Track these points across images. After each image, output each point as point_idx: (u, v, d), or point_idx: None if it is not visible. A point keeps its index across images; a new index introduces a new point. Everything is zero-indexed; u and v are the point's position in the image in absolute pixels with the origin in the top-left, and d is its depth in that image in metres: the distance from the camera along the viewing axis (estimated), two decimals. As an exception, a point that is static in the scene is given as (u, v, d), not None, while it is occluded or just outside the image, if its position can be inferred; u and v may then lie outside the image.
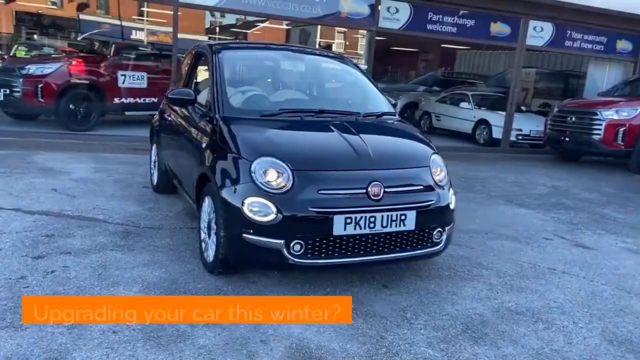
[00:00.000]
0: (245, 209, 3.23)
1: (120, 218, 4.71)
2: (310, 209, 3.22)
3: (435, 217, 3.65)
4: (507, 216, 5.94)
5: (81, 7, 22.74)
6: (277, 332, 2.97)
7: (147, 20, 24.43)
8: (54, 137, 8.39)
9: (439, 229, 3.68)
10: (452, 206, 3.78)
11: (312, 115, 3.99)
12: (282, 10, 9.38)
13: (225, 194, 3.38)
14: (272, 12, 9.48)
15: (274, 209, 3.21)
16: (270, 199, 3.22)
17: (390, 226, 3.41)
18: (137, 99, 9.90)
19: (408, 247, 3.58)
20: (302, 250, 3.27)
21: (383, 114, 4.40)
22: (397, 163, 3.64)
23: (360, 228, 3.32)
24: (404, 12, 10.26)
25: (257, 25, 29.71)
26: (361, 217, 3.31)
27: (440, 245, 3.71)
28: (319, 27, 23.79)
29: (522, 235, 5.20)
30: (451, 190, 3.83)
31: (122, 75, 9.72)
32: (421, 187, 3.60)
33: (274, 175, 3.28)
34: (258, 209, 3.23)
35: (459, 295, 3.66)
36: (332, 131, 3.71)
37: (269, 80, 4.66)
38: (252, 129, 3.74)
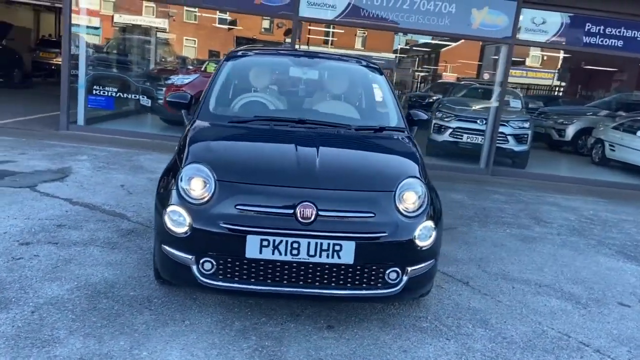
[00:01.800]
0: (166, 218, 3.02)
1: (144, 217, 4.83)
2: (222, 224, 2.88)
3: (387, 253, 3.02)
4: (596, 270, 4.74)
5: (287, 32, 26.21)
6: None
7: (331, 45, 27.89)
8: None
9: (395, 269, 3.03)
10: (423, 243, 3.08)
11: (285, 125, 3.63)
12: (406, 22, 8.91)
13: (156, 199, 3.22)
14: (395, 25, 9.06)
15: (188, 221, 2.94)
16: (187, 209, 2.96)
17: (320, 256, 2.90)
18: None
19: (348, 285, 3.01)
20: (212, 270, 2.95)
21: (383, 128, 3.82)
22: (347, 184, 3.08)
23: (280, 254, 2.88)
24: (553, 23, 9.01)
25: (448, 45, 29.23)
26: (281, 241, 2.87)
27: (396, 288, 3.05)
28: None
29: (589, 296, 4.09)
30: (429, 223, 3.11)
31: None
32: (371, 214, 2.99)
33: (199, 184, 3.01)
34: (175, 219, 2.99)
35: (409, 356, 2.96)
36: (290, 143, 3.30)
37: (269, 86, 4.37)
38: (207, 134, 3.52)
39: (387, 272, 3.03)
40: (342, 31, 26.81)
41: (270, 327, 3.12)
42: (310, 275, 2.95)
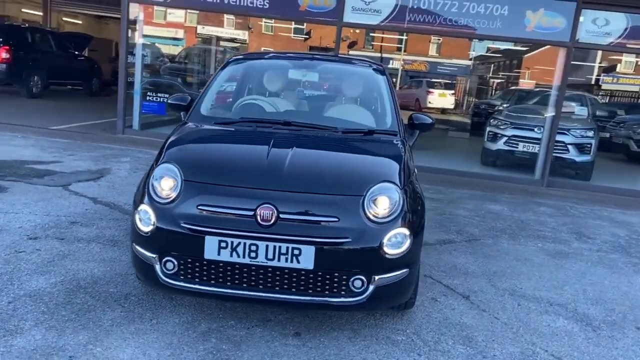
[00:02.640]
0: (136, 217, 3.07)
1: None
2: (183, 224, 2.88)
3: (351, 260, 2.88)
4: (626, 291, 4.31)
5: (351, 45, 26.71)
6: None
7: (404, 52, 27.95)
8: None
9: (360, 277, 2.89)
10: (394, 251, 2.92)
11: (270, 127, 3.58)
12: (454, 25, 8.62)
13: (133, 199, 3.27)
14: (443, 29, 8.78)
15: (153, 220, 2.96)
16: (154, 208, 2.98)
17: (279, 260, 2.82)
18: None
19: (309, 291, 2.90)
20: (174, 270, 2.95)
21: (373, 131, 3.68)
22: (313, 187, 2.98)
23: (238, 256, 2.83)
24: (618, 24, 8.40)
25: (529, 51, 28.10)
26: (239, 243, 2.82)
27: (361, 297, 2.91)
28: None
29: (605, 318, 3.72)
30: (402, 230, 2.94)
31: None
32: (334, 219, 2.87)
33: (168, 184, 3.03)
34: (143, 218, 3.02)
35: (370, 368, 2.82)
36: (266, 144, 3.25)
37: (265, 89, 4.32)
38: (187, 135, 3.53)
39: (352, 279, 2.90)
40: (412, 38, 26.52)
41: (235, 330, 3.07)
42: (269, 280, 2.88)
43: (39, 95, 13.66)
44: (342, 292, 2.92)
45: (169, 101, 4.28)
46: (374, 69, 4.31)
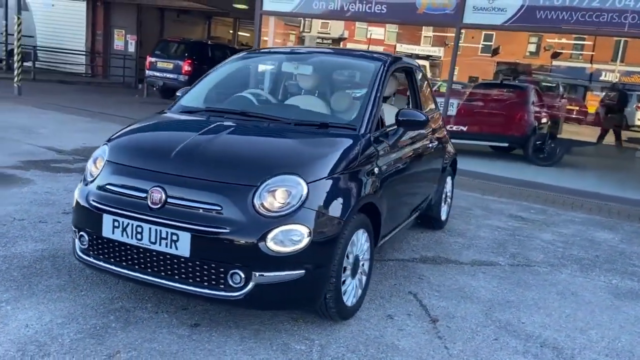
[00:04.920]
0: (75, 194, 3.27)
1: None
2: (91, 201, 3.01)
3: (229, 252, 2.69)
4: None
5: (556, 55, 25.01)
6: (10, 309, 2.97)
7: (620, 62, 25.14)
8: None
9: (239, 272, 2.69)
10: (282, 248, 2.67)
11: (222, 116, 3.52)
12: (593, 23, 7.44)
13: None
14: (583, 28, 7.64)
15: (77, 196, 3.16)
16: (83, 187, 3.17)
17: (160, 245, 2.78)
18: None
19: (189, 280, 2.78)
20: (86, 246, 3.08)
21: (327, 124, 3.37)
22: (207, 173, 2.84)
23: (128, 237, 2.86)
24: None
25: None
26: (128, 224, 2.85)
27: (238, 293, 2.70)
28: None
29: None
30: (297, 227, 2.68)
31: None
32: (217, 207, 2.72)
33: (99, 164, 3.20)
34: (76, 195, 3.22)
35: (227, 369, 2.58)
36: (196, 132, 3.21)
37: (248, 83, 4.21)
38: (141, 121, 3.60)
39: (230, 273, 2.71)
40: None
41: (143, 312, 3.08)
42: (155, 264, 2.84)
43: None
44: (221, 286, 2.74)
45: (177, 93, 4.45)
46: (374, 64, 3.91)
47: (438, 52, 29.83)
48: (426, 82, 5.05)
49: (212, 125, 3.30)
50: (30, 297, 3.14)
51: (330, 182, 2.91)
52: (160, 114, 3.78)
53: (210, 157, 2.98)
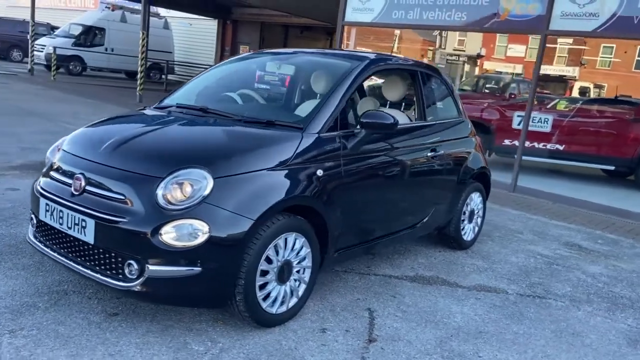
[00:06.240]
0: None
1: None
2: (38, 187, 3.17)
3: (125, 242, 2.67)
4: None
5: None
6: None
7: None
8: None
9: (133, 262, 2.65)
10: (177, 242, 2.60)
11: (181, 112, 3.52)
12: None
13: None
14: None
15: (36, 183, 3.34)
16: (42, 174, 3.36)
17: (74, 230, 2.84)
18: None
19: (95, 267, 2.80)
20: (34, 229, 3.24)
21: (272, 122, 3.21)
22: (124, 163, 2.84)
23: (54, 221, 2.96)
24: None
25: None
26: (54, 208, 2.96)
27: (131, 284, 2.66)
28: None
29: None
30: (196, 223, 2.60)
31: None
32: (121, 196, 2.72)
33: (56, 153, 3.36)
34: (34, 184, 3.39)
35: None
36: (147, 125, 3.25)
37: (224, 82, 4.12)
38: (113, 116, 3.71)
39: (126, 263, 2.68)
40: None
41: (77, 297, 3.14)
42: (71, 249, 2.91)
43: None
44: (120, 275, 2.73)
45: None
46: (350, 64, 3.64)
47: (572, 72, 27.74)
48: (445, 88, 4.63)
49: (162, 120, 3.34)
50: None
51: (244, 178, 2.77)
52: (140, 110, 3.90)
53: (134, 148, 2.99)
